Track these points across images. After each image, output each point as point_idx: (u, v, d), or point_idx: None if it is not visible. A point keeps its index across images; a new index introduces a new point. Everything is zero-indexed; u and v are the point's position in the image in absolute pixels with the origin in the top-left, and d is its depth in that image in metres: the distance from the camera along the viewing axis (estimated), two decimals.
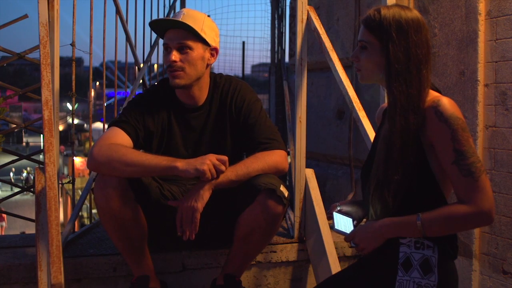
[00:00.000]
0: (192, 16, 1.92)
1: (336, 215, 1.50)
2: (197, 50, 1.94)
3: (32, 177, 23.77)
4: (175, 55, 1.90)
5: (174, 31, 1.92)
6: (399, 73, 1.33)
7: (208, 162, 1.72)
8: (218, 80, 2.05)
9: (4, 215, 13.01)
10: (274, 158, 1.90)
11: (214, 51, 2.00)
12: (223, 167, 1.75)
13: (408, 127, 1.31)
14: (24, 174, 24.42)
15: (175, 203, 1.78)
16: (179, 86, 1.94)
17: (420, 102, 1.32)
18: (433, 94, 1.36)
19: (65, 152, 24.18)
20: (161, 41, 3.97)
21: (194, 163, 1.72)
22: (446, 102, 1.30)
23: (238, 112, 2.01)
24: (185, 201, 1.76)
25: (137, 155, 1.77)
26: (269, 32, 4.60)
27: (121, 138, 1.87)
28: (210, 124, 2.03)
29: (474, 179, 1.26)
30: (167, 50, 1.92)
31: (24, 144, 34.98)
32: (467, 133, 1.28)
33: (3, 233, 17.86)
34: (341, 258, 2.24)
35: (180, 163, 1.72)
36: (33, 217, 1.98)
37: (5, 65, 2.37)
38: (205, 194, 1.75)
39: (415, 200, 1.34)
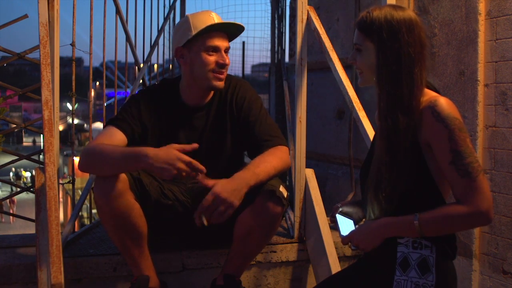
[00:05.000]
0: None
1: (339, 218, 1.50)
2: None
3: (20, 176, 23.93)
4: (228, 58, 1.96)
5: (221, 34, 1.95)
6: (388, 73, 1.33)
7: (181, 166, 1.66)
8: None
9: (14, 199, 13.03)
10: (283, 154, 1.92)
11: None
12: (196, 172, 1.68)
13: (397, 128, 1.31)
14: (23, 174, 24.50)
15: (212, 182, 1.69)
16: (221, 88, 1.99)
17: (413, 102, 1.31)
18: (430, 94, 1.36)
19: (65, 152, 24.18)
20: (161, 41, 3.96)
21: (164, 165, 1.66)
22: (443, 102, 1.30)
23: (239, 110, 2.01)
24: (225, 192, 1.67)
25: (111, 152, 1.76)
26: (269, 32, 4.59)
27: (114, 136, 1.89)
28: (210, 123, 2.03)
29: (472, 179, 1.26)
30: (215, 51, 1.93)
31: (31, 143, 35.07)
32: (464, 133, 1.28)
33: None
34: (341, 258, 2.24)
35: (149, 160, 1.67)
36: (33, 217, 1.98)
37: (5, 65, 2.37)
38: (243, 194, 1.72)
39: (413, 200, 1.34)
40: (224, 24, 1.95)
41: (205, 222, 1.68)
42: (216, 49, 1.94)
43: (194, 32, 1.91)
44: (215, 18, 1.94)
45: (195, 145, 1.72)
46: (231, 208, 1.68)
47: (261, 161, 1.84)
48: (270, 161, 1.85)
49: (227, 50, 1.98)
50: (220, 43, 1.94)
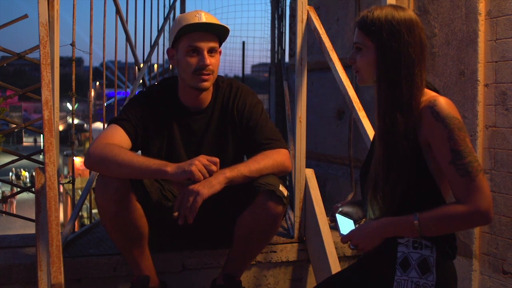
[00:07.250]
0: (215, 19, 1.93)
1: (338, 217, 1.50)
2: (219, 53, 1.97)
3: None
4: (209, 59, 1.90)
5: (204, 34, 1.90)
6: (387, 73, 1.33)
7: (197, 163, 1.68)
8: (220, 84, 2.05)
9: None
10: (280, 156, 1.91)
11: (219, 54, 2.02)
12: (213, 167, 1.70)
13: (396, 128, 1.31)
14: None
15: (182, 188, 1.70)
16: (206, 89, 1.95)
17: (413, 102, 1.31)
18: (430, 94, 1.36)
19: (65, 152, 24.19)
20: (161, 41, 3.96)
21: (182, 166, 1.68)
22: (442, 102, 1.30)
23: (240, 115, 2.01)
24: (192, 184, 1.68)
25: (130, 157, 1.75)
26: (269, 32, 4.59)
27: (119, 137, 1.87)
28: (212, 128, 2.02)
29: (471, 179, 1.26)
30: (197, 52, 1.89)
31: (31, 143, 35.12)
32: (464, 133, 1.28)
33: (14, 209, 18.22)
34: (341, 258, 2.24)
35: (170, 168, 1.69)
36: (33, 217, 1.98)
37: (5, 65, 2.37)
38: (216, 185, 1.69)
39: (413, 200, 1.34)
40: (206, 24, 1.88)
41: (181, 219, 1.66)
42: (197, 50, 1.89)
43: (176, 31, 1.89)
44: (203, 17, 1.89)
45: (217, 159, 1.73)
46: (199, 197, 1.65)
47: (248, 160, 1.85)
48: (259, 159, 1.84)
49: (211, 50, 1.91)
50: (202, 43, 1.89)
